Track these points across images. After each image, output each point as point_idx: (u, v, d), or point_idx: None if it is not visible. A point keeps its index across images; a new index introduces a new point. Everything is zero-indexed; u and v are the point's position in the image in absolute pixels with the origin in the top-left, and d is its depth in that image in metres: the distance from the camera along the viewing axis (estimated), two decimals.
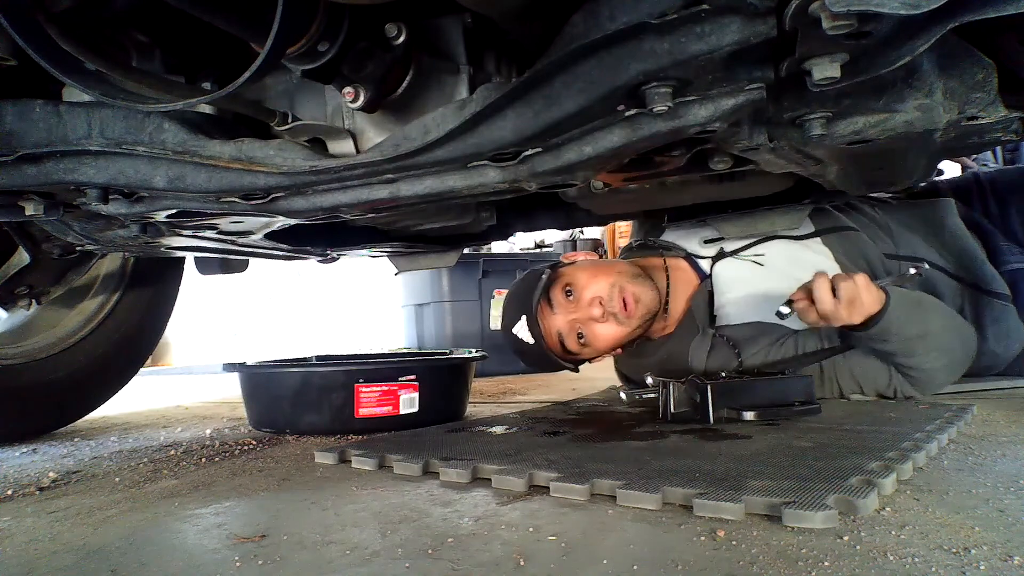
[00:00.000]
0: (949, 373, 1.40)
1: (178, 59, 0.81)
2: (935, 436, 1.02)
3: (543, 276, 1.48)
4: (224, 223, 1.10)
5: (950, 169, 2.85)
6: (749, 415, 1.22)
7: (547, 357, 1.49)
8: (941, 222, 1.63)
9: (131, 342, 1.76)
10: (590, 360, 1.62)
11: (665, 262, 1.63)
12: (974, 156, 3.21)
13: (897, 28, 0.61)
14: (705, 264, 1.62)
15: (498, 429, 1.25)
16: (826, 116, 0.80)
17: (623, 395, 1.33)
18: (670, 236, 1.66)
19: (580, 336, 1.49)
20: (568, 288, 1.48)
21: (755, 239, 1.56)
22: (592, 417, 1.39)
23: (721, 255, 1.58)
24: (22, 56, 0.71)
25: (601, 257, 2.89)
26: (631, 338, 1.56)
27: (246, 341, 5.35)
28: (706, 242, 1.60)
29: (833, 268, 1.50)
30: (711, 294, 1.58)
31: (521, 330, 1.46)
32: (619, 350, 1.61)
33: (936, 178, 1.89)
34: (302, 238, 1.33)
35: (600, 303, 1.45)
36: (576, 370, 1.64)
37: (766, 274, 1.53)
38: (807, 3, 0.56)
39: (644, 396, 1.32)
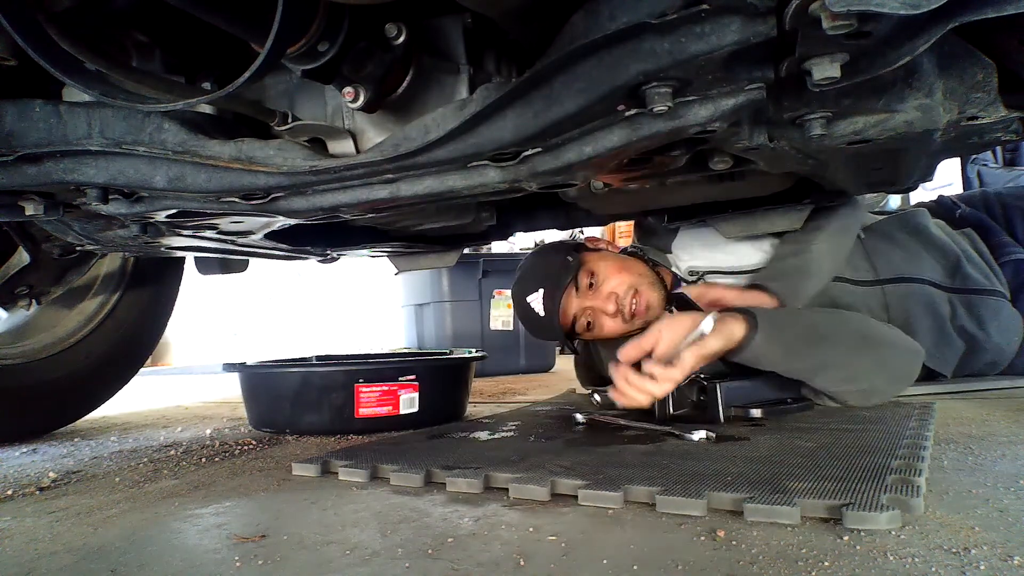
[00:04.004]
0: (868, 398, 1.34)
1: (178, 59, 0.81)
2: (925, 433, 1.02)
3: (571, 258, 1.52)
4: (224, 223, 1.10)
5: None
6: (756, 412, 1.22)
7: (551, 330, 1.53)
8: (923, 229, 1.65)
9: (131, 342, 1.76)
10: (584, 340, 1.67)
11: (661, 275, 1.65)
12: (973, 156, 3.22)
13: (897, 28, 0.61)
14: (683, 284, 1.65)
15: (482, 435, 1.24)
16: (826, 116, 0.80)
17: (597, 397, 1.31)
18: (677, 246, 1.66)
19: (588, 322, 1.53)
20: (592, 276, 1.53)
21: (742, 271, 1.57)
22: (562, 422, 1.37)
23: (695, 283, 1.61)
24: (22, 56, 0.71)
25: None
26: (626, 334, 1.58)
27: (246, 341, 5.35)
28: (691, 272, 1.62)
29: None
30: (672, 311, 1.61)
31: (535, 300, 1.50)
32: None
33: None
34: (302, 238, 1.32)
35: (616, 300, 1.49)
36: (564, 352, 1.67)
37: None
38: (807, 3, 0.56)
39: None
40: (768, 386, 1.29)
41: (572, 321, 1.54)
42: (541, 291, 1.50)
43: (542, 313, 1.50)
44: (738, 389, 1.24)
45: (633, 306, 1.50)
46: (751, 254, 1.57)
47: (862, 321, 1.40)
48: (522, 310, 1.56)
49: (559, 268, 1.50)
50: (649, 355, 1.18)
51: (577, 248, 1.60)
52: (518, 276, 1.60)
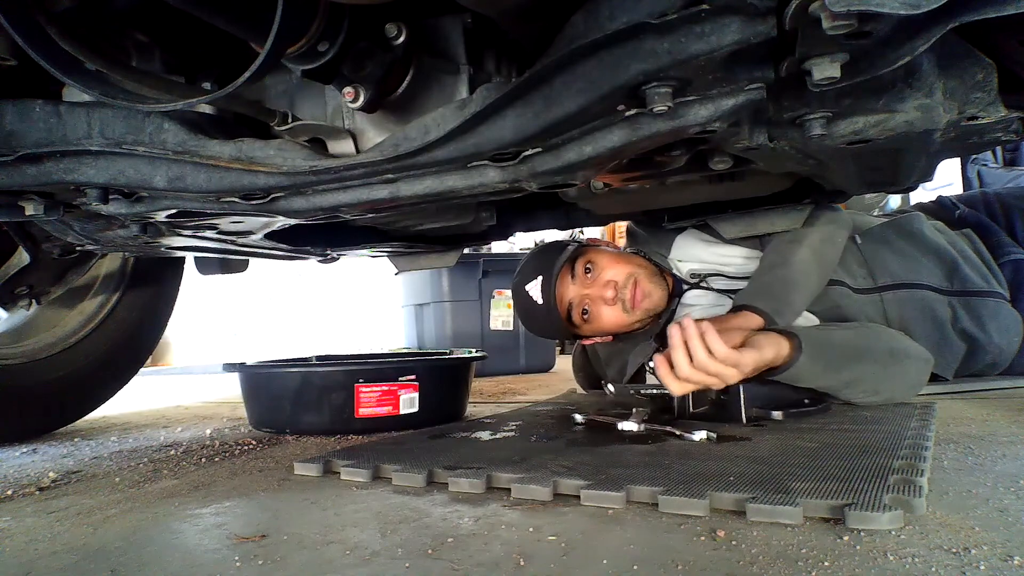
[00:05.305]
0: (880, 402, 1.37)
1: (178, 59, 0.81)
2: (926, 434, 1.02)
3: (569, 247, 1.53)
4: (224, 223, 1.10)
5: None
6: (778, 415, 1.22)
7: (549, 320, 1.53)
8: (919, 233, 1.66)
9: (131, 342, 1.76)
10: (583, 337, 1.66)
11: (663, 273, 1.65)
12: (973, 156, 3.21)
13: (897, 28, 0.61)
14: (686, 287, 1.64)
15: (484, 435, 1.24)
16: (826, 116, 0.80)
17: (611, 387, 1.30)
18: (676, 250, 1.65)
19: (585, 312, 1.53)
20: (589, 265, 1.53)
21: (744, 276, 1.56)
22: (563, 422, 1.36)
23: (697, 285, 1.60)
24: (22, 56, 0.71)
25: None
26: (627, 329, 1.58)
27: (246, 341, 5.35)
28: (692, 275, 1.61)
29: (800, 318, 1.50)
30: (673, 312, 1.61)
31: (533, 289, 1.51)
32: (610, 337, 1.63)
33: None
34: (302, 238, 1.32)
35: (614, 287, 1.49)
36: (561, 346, 1.65)
37: (727, 307, 1.52)
38: (807, 3, 0.56)
39: (644, 392, 1.29)
40: (784, 387, 1.28)
41: (568, 309, 1.54)
42: (539, 279, 1.50)
43: (540, 301, 1.50)
44: (756, 389, 1.24)
45: (632, 295, 1.50)
46: (751, 255, 1.56)
47: (888, 335, 1.43)
48: (521, 302, 1.56)
49: (556, 255, 1.51)
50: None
51: (578, 243, 1.61)
52: (518, 270, 1.60)
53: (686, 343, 1.09)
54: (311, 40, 0.64)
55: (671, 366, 1.11)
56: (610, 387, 1.29)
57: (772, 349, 1.17)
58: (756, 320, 1.30)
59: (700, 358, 1.08)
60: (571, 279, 1.53)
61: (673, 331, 1.12)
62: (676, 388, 1.12)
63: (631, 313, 1.52)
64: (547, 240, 4.08)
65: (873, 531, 0.66)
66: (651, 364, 1.26)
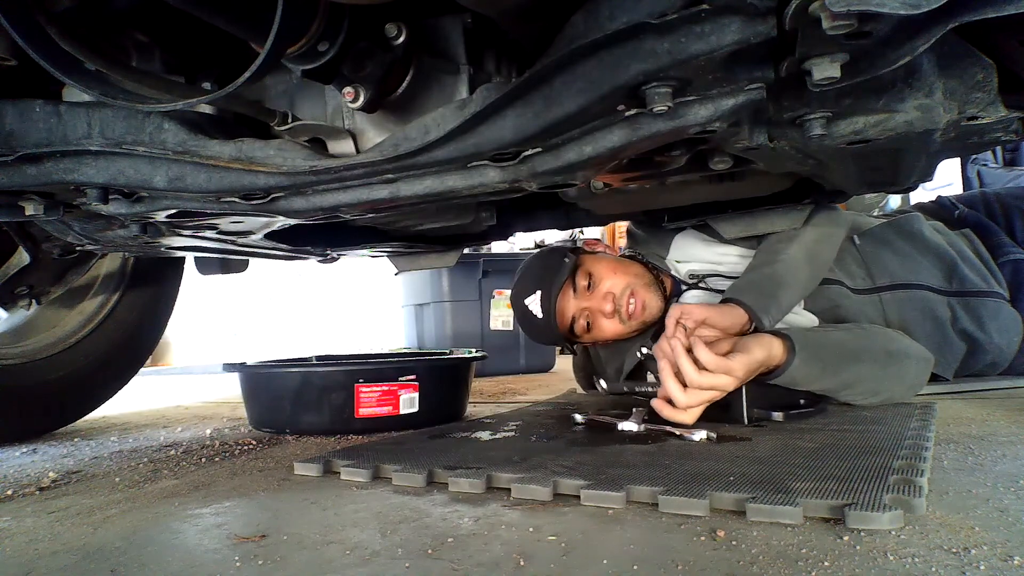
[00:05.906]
0: (880, 403, 1.37)
1: (178, 59, 0.81)
2: (926, 434, 1.02)
3: (567, 259, 1.53)
4: (224, 223, 1.10)
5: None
6: (778, 416, 1.22)
7: (551, 332, 1.54)
8: (918, 234, 1.66)
9: (131, 342, 1.76)
10: (584, 344, 1.68)
11: (660, 277, 1.65)
12: (973, 156, 3.22)
13: (897, 28, 0.61)
14: (684, 288, 1.65)
15: (484, 435, 1.24)
16: (826, 116, 0.80)
17: (603, 383, 1.30)
18: (674, 251, 1.65)
19: (587, 324, 1.54)
20: (589, 277, 1.54)
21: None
22: (563, 422, 1.35)
23: (696, 286, 1.60)
24: (22, 56, 0.71)
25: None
26: (626, 337, 1.58)
27: (246, 341, 5.35)
28: (691, 276, 1.62)
29: (800, 318, 1.50)
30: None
31: (533, 303, 1.52)
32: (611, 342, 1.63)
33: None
34: (302, 238, 1.33)
35: (612, 300, 1.50)
36: (564, 352, 1.63)
37: None
38: (807, 3, 0.56)
39: (639, 390, 1.29)
40: (782, 388, 1.28)
41: (571, 323, 1.54)
42: (538, 293, 1.50)
43: (540, 315, 1.51)
44: (766, 389, 1.24)
45: (630, 307, 1.50)
46: (750, 255, 1.56)
47: (884, 336, 1.43)
48: (521, 313, 1.57)
49: (555, 269, 1.51)
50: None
51: (575, 251, 1.61)
52: (516, 279, 1.60)
53: (674, 370, 1.11)
54: (311, 40, 0.64)
55: (671, 402, 1.13)
56: (602, 383, 1.29)
57: (762, 350, 1.17)
58: (741, 315, 1.30)
59: (692, 377, 1.10)
60: (572, 293, 1.53)
61: (662, 364, 1.14)
62: (686, 418, 1.13)
63: (628, 324, 1.53)
64: (546, 243, 4.09)
65: (873, 531, 0.66)
66: (648, 372, 1.26)
